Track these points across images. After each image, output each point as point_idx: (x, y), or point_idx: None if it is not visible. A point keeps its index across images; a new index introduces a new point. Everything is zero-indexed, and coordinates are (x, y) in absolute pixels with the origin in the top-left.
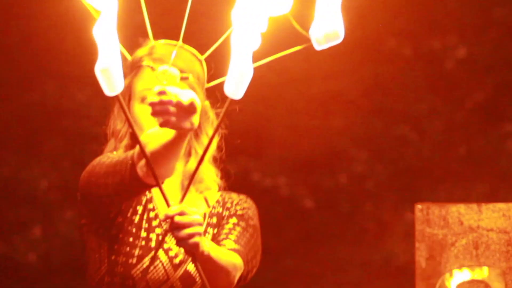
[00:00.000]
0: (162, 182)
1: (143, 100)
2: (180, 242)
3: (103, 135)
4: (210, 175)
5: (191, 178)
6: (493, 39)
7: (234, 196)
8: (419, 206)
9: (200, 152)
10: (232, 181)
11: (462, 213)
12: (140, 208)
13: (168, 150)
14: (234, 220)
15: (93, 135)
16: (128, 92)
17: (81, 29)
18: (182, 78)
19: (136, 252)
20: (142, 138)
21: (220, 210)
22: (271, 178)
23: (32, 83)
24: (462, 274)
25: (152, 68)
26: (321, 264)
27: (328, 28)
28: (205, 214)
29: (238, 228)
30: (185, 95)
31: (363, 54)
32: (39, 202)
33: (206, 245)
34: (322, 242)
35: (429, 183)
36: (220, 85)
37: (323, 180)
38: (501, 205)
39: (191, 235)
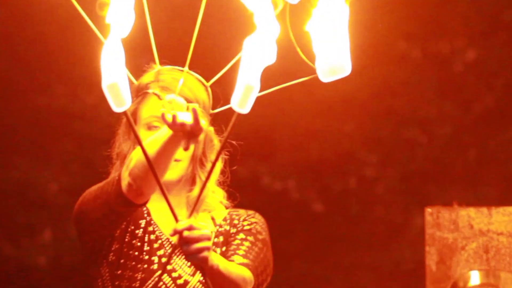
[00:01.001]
0: (148, 200)
1: (149, 127)
2: (189, 256)
3: (108, 157)
4: (215, 197)
5: (197, 199)
6: (502, 43)
7: (242, 212)
8: (429, 210)
9: (204, 178)
10: (242, 185)
11: (472, 216)
12: (140, 232)
13: (160, 155)
14: (241, 235)
15: (103, 139)
16: (133, 118)
17: (91, 33)
18: (189, 108)
19: (139, 276)
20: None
21: (227, 227)
22: (281, 182)
23: (42, 87)
24: (476, 277)
25: (159, 97)
26: (330, 268)
27: (334, 61)
28: (211, 233)
29: (246, 243)
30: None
31: (373, 57)
32: (49, 205)
33: (216, 259)
34: (331, 245)
35: (439, 187)
36: (226, 112)
37: (332, 184)
38: (511, 209)
39: (200, 250)
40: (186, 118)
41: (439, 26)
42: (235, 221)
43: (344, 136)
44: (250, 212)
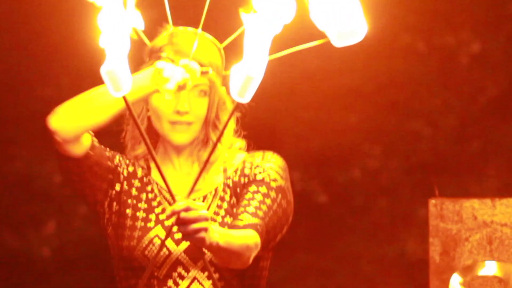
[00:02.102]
0: (73, 153)
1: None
2: (187, 236)
3: (121, 139)
4: (230, 151)
5: (206, 161)
6: (507, 35)
7: (257, 157)
8: (433, 201)
9: (219, 142)
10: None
11: (476, 208)
12: (134, 191)
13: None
14: (253, 188)
15: (108, 130)
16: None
17: (95, 25)
18: (202, 73)
19: (136, 234)
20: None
21: (237, 178)
22: None
23: (47, 78)
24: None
25: (173, 61)
26: (334, 259)
27: (347, 27)
28: (216, 189)
29: (257, 197)
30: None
31: (377, 49)
32: (53, 197)
33: (215, 236)
34: (335, 237)
35: (443, 178)
36: None
37: (337, 175)
38: None
39: (197, 231)
40: (176, 74)
41: (443, 18)
42: (247, 170)
43: (348, 128)
44: (267, 154)
